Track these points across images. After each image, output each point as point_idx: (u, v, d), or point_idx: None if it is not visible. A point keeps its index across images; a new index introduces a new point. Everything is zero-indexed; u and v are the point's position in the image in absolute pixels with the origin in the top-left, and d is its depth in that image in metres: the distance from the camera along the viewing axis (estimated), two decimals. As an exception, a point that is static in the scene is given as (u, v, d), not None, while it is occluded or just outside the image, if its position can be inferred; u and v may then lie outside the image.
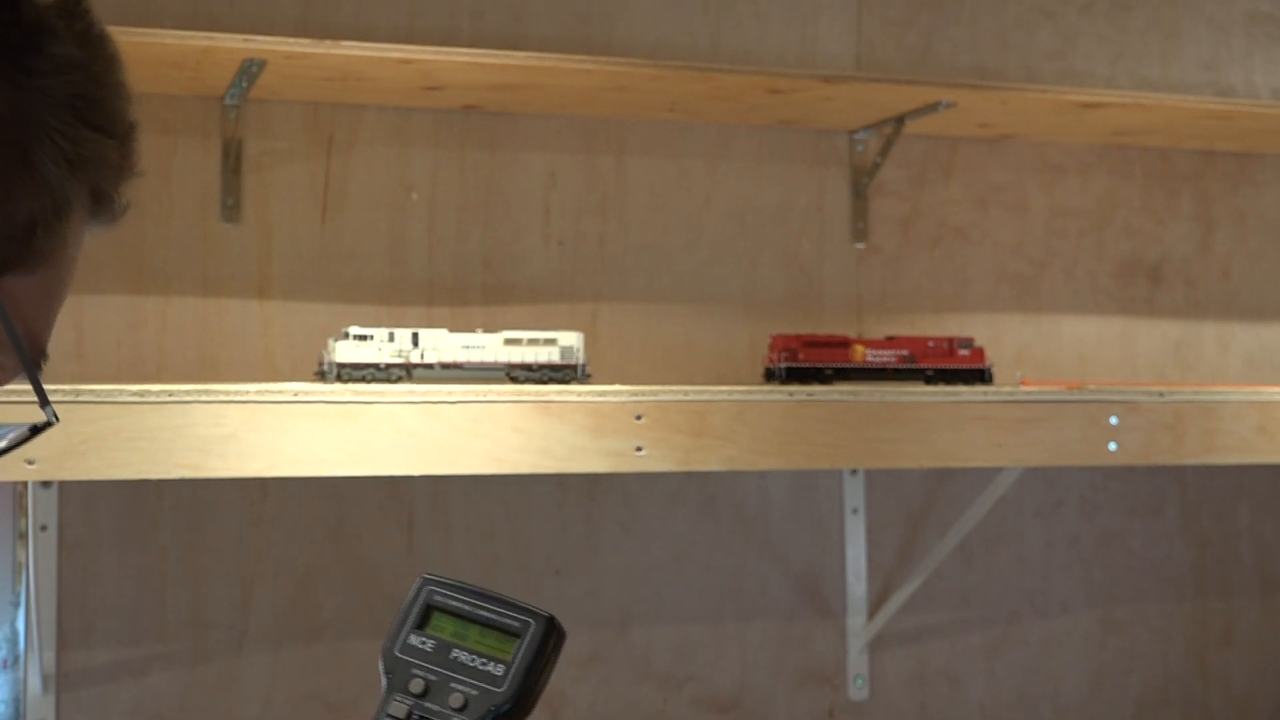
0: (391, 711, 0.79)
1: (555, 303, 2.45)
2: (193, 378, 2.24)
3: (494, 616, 0.80)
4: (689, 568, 2.53)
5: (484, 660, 0.79)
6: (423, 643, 0.80)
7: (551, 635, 0.79)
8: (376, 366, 2.00)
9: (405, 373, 2.01)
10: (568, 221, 2.48)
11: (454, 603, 0.81)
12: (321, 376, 2.03)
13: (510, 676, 0.78)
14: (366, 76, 2.19)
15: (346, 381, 1.95)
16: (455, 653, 0.79)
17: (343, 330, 2.02)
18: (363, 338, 2.00)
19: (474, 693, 0.78)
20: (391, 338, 2.02)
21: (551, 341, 2.09)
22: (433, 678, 0.79)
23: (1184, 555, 2.87)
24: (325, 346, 2.03)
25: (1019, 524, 2.75)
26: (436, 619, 0.81)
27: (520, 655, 0.79)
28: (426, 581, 0.82)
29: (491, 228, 2.44)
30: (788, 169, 2.62)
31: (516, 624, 0.79)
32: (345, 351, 1.99)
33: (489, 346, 2.06)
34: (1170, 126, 2.67)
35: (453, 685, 0.78)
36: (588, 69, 2.19)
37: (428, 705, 0.78)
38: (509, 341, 2.07)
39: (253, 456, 1.70)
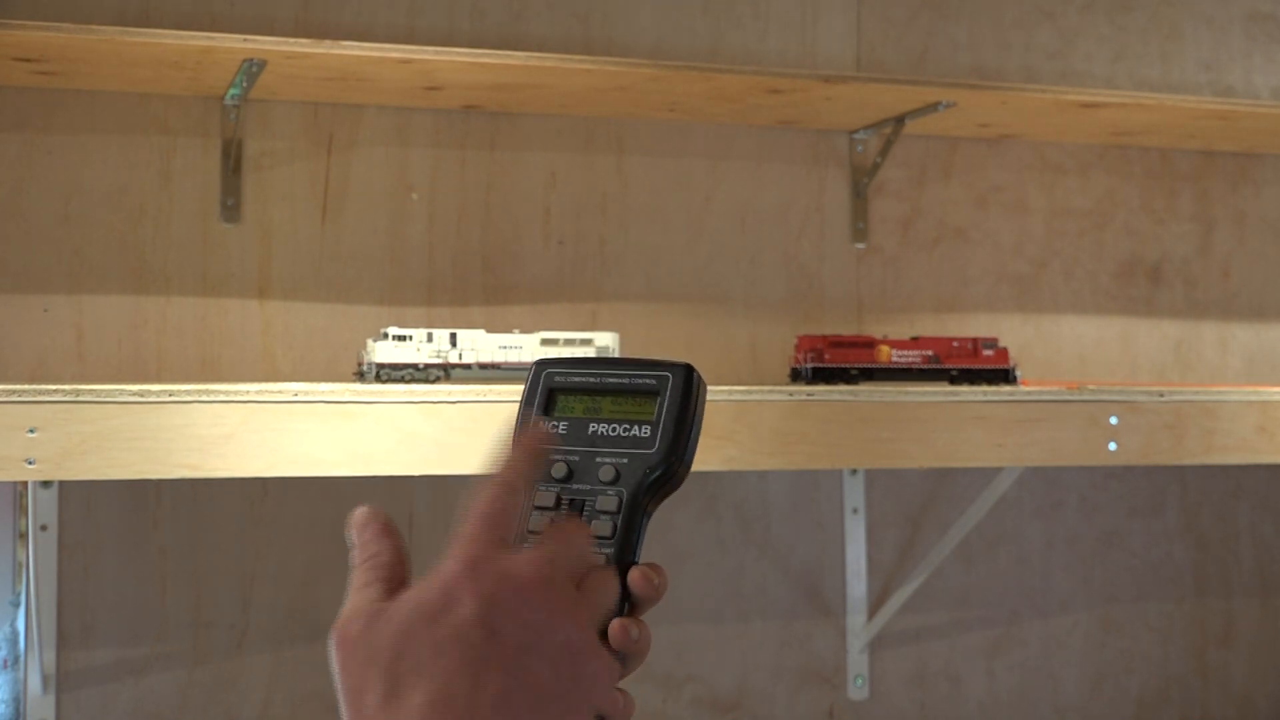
0: (539, 503, 0.71)
1: (555, 303, 2.45)
2: (193, 378, 2.24)
3: (624, 381, 0.72)
4: (689, 568, 2.53)
5: (626, 426, 0.71)
6: (554, 425, 0.73)
7: (693, 383, 0.71)
8: (415, 367, 2.01)
9: (443, 373, 2.02)
10: (568, 221, 2.48)
11: (577, 379, 0.73)
12: (361, 376, 2.05)
13: (659, 435, 0.70)
14: (366, 76, 2.19)
15: (385, 381, 1.96)
16: (593, 427, 0.72)
17: (381, 330, 2.04)
18: (401, 338, 2.02)
19: (623, 461, 0.71)
20: (430, 338, 2.03)
21: (588, 341, 2.09)
22: (574, 458, 0.72)
23: (1184, 555, 2.87)
24: (364, 347, 2.06)
25: (1019, 524, 2.75)
26: (563, 400, 0.73)
27: (665, 411, 0.71)
28: (542, 365, 0.74)
29: (491, 228, 2.44)
30: (788, 169, 2.62)
31: (652, 381, 0.72)
32: (384, 352, 2.01)
33: (526, 347, 2.07)
34: (1170, 126, 2.67)
35: (598, 460, 0.71)
36: (588, 69, 2.19)
37: (576, 487, 0.71)
38: (546, 342, 2.07)
39: (253, 456, 1.70)
